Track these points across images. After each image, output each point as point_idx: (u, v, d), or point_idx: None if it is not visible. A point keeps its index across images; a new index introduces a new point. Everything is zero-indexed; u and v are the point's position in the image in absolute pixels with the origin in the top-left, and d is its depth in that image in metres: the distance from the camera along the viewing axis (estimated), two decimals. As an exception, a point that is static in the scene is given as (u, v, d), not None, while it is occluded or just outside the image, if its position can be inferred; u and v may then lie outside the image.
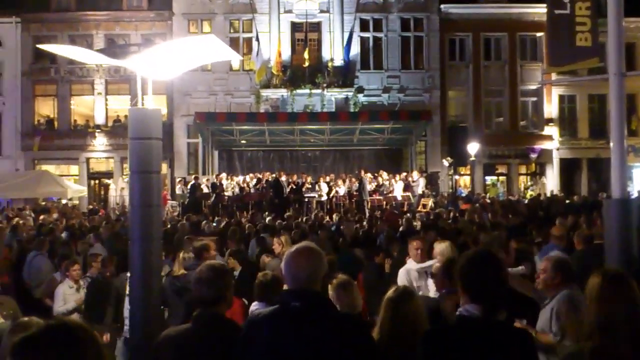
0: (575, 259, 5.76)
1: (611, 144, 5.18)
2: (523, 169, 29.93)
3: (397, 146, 27.15)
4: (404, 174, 22.91)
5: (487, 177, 29.21)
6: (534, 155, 28.51)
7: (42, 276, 9.01)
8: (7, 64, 28.80)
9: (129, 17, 28.60)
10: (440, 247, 5.89)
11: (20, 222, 15.93)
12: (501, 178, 29.75)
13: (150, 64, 4.35)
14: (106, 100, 28.74)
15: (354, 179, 22.02)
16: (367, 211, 19.18)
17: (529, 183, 29.81)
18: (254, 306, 4.78)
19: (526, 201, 21.55)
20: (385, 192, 21.56)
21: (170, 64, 4.53)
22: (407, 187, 21.53)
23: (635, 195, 21.70)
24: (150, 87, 4.60)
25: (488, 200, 20.87)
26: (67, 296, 7.32)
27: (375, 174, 22.98)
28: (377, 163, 25.77)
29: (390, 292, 3.55)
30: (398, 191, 21.40)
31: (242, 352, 2.79)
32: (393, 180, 22.07)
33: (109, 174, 28.78)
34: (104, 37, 28.52)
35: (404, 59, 28.65)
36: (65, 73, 28.40)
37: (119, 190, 25.96)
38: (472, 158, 24.23)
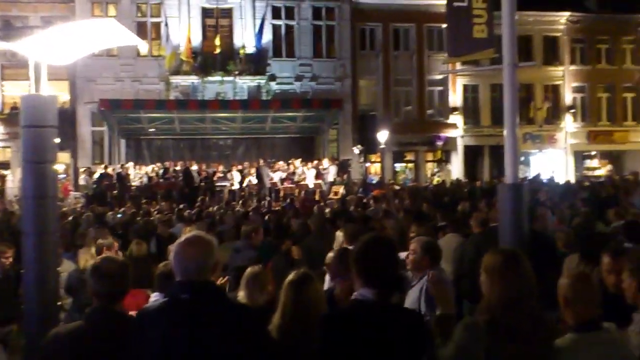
0: (472, 242, 6.03)
1: (504, 132, 5.44)
2: (430, 156, 30.93)
3: (309, 134, 27.32)
4: (316, 161, 23.11)
5: (396, 165, 29.99)
6: (439, 143, 29.53)
7: None
8: None
9: (29, -3, 27.00)
10: (338, 235, 5.96)
11: None
12: (409, 165, 30.61)
13: (44, 47, 4.14)
14: (2, 85, 27.11)
15: (251, 169, 21.90)
16: (268, 199, 19.19)
17: (435, 170, 30.88)
18: (153, 297, 4.70)
19: (429, 187, 22.37)
20: (297, 180, 21.67)
21: (67, 48, 4.33)
22: (319, 174, 21.76)
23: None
24: (45, 72, 4.38)
25: (397, 187, 21.43)
26: None
27: (288, 162, 23.03)
28: (289, 151, 25.84)
29: (290, 276, 3.55)
30: (310, 179, 21.59)
31: (134, 345, 2.72)
32: (305, 168, 22.21)
33: (5, 164, 27.22)
34: None
35: (316, 47, 28.77)
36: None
37: (17, 182, 24.65)
38: (382, 146, 24.78)
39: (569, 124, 31.31)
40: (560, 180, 24.51)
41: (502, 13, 5.55)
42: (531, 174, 27.72)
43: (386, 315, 2.83)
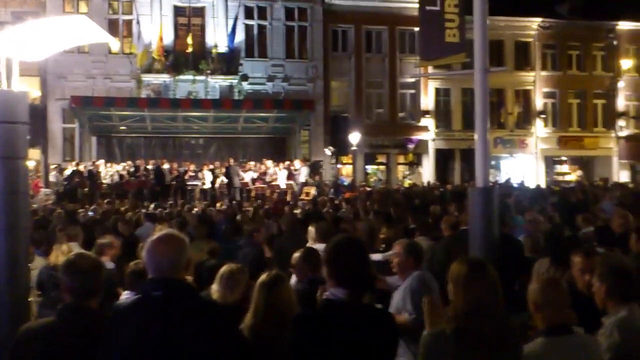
0: (442, 245, 6.12)
1: (475, 136, 5.53)
2: (401, 159, 31.04)
3: (281, 135, 27.29)
4: (287, 162, 23.11)
5: (367, 167, 30.08)
6: (411, 146, 29.73)
7: None
8: None
9: (0, -8, 26.54)
10: (310, 231, 6.00)
11: None
12: (381, 167, 30.70)
13: (16, 43, 4.13)
14: None
15: (222, 168, 21.85)
16: (238, 199, 19.16)
17: (407, 172, 31.04)
18: (124, 295, 4.69)
19: (401, 189, 22.48)
20: (268, 181, 21.66)
21: (38, 44, 4.32)
22: (290, 175, 21.77)
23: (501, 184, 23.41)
24: (17, 68, 4.35)
25: (368, 189, 21.55)
26: None
27: (260, 163, 23.01)
28: (261, 151, 25.82)
29: (263, 277, 3.58)
30: (281, 180, 21.59)
31: (106, 343, 2.71)
32: (277, 169, 22.20)
33: None
34: None
35: (289, 48, 28.75)
36: None
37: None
38: (354, 147, 24.88)
39: (540, 129, 31.68)
40: (531, 184, 24.87)
41: (474, 18, 5.64)
42: (502, 178, 28.10)
43: (358, 315, 2.86)
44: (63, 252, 6.57)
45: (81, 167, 21.08)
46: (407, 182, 28.60)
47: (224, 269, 4.22)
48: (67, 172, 20.93)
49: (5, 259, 4.40)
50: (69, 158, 25.35)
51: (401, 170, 31.18)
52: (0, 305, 4.52)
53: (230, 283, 4.12)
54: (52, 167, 23.06)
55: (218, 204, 16.61)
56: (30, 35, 4.15)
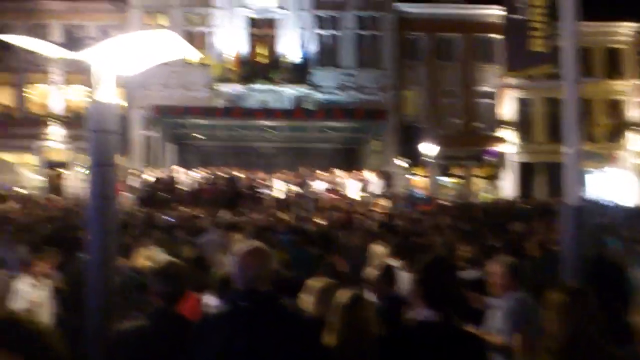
0: (530, 266, 5.78)
1: (565, 150, 5.24)
2: (478, 171, 29.98)
3: (353, 145, 27.22)
4: (359, 172, 22.98)
5: (441, 178, 29.23)
6: (490, 158, 28.83)
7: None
8: None
9: (86, 8, 28.09)
10: (378, 250, 5.80)
11: None
12: (456, 180, 29.86)
13: (109, 58, 4.29)
14: (63, 90, 28.24)
15: (293, 177, 21.91)
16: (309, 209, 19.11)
17: (484, 186, 30.00)
18: (210, 301, 4.85)
19: (480, 204, 21.82)
20: (339, 191, 21.57)
21: (132, 59, 4.48)
22: (362, 186, 21.61)
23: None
24: (113, 83, 4.47)
25: (445, 202, 21.05)
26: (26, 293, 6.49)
27: (330, 173, 22.98)
28: (332, 161, 25.76)
29: (343, 298, 3.53)
30: (352, 190, 21.46)
31: (193, 350, 2.81)
32: (348, 179, 22.09)
33: (65, 164, 28.20)
34: (60, 27, 28.14)
35: (360, 57, 28.68)
36: (23, 62, 27.56)
37: (75, 181, 25.47)
38: (427, 159, 24.44)
39: (634, 141, 29.75)
40: (624, 202, 23.23)
41: (562, 27, 5.37)
42: (589, 194, 26.55)
43: (447, 337, 2.82)
44: (146, 256, 6.76)
45: (159, 174, 21.70)
46: (484, 196, 27.76)
47: (320, 284, 4.15)
48: (146, 177, 21.56)
49: (97, 261, 4.50)
50: (148, 164, 26.25)
51: (477, 182, 30.17)
52: (91, 306, 4.51)
53: (324, 298, 4.02)
54: (132, 172, 23.88)
55: (287, 213, 16.64)
56: (124, 50, 4.32)
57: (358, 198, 20.87)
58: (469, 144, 28.65)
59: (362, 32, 28.70)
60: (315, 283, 4.19)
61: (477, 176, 30.02)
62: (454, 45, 29.31)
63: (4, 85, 28.80)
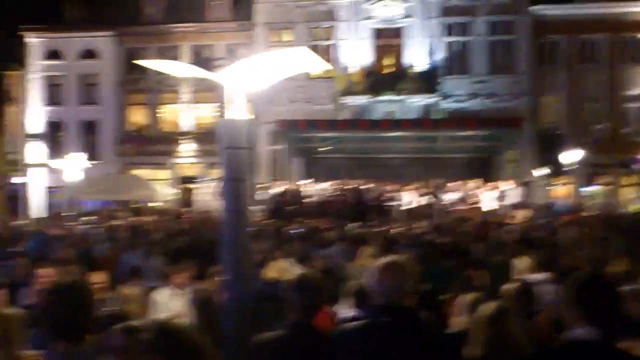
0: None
1: None
2: (626, 180, 27.55)
3: (486, 154, 25.89)
4: (493, 183, 21.70)
5: (585, 188, 27.18)
6: (638, 166, 26.33)
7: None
8: (104, 75, 30.71)
9: (214, 28, 29.45)
10: (519, 264, 5.96)
11: (115, 223, 16.41)
12: (602, 189, 27.57)
13: (239, 77, 4.48)
14: (193, 107, 29.66)
15: (430, 189, 21.06)
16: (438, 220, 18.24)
17: (634, 195, 27.40)
18: (343, 314, 4.87)
19: (629, 215, 19.81)
20: (473, 202, 20.45)
21: (258, 76, 4.62)
22: (496, 197, 20.38)
23: None
24: (243, 101, 4.63)
25: (590, 213, 19.24)
26: (169, 305, 6.75)
27: (462, 183, 21.88)
28: (464, 171, 24.58)
29: (488, 310, 3.44)
30: (487, 201, 20.25)
31: None
32: (482, 190, 20.93)
33: (195, 179, 29.58)
34: (189, 48, 29.72)
35: (493, 63, 27.46)
36: (156, 83, 29.24)
37: (206, 195, 26.42)
38: (570, 167, 22.62)
39: None
40: None
41: None
42: None
43: (608, 358, 2.66)
44: (278, 268, 6.93)
45: (286, 187, 21.84)
46: (634, 207, 25.17)
47: (470, 297, 4.15)
48: (273, 191, 21.73)
49: (233, 274, 4.68)
50: (274, 178, 26.58)
51: (626, 192, 27.65)
52: (228, 319, 4.73)
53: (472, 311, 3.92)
54: (259, 186, 24.22)
55: (417, 225, 15.87)
56: (254, 68, 4.49)
57: (493, 209, 19.62)
58: (617, 151, 26.31)
59: (494, 38, 27.41)
60: (465, 297, 4.24)
61: (625, 185, 27.59)
62: (597, 47, 27.26)
63: (138, 105, 30.89)
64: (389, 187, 21.84)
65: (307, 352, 3.04)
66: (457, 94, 26.92)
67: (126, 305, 5.32)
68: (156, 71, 5.45)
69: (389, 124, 24.43)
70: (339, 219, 18.40)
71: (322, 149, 25.82)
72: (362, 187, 21.49)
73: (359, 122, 24.86)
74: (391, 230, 13.79)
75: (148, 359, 1.59)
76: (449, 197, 20.73)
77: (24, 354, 3.08)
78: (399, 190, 21.60)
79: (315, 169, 26.58)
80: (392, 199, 21.11)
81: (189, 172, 30.14)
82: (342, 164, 26.67)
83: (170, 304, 6.52)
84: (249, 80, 4.47)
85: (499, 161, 24.91)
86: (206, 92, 28.26)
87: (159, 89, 29.66)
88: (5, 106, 31.55)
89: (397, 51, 27.70)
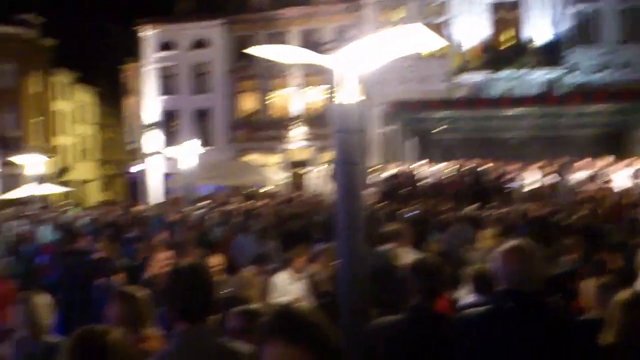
0: None
1: None
2: None
3: (616, 130, 24.08)
4: (626, 160, 20.10)
5: None
6: None
7: (244, 258, 9.11)
8: (214, 63, 31.64)
9: (321, 11, 29.38)
10: None
11: (229, 207, 16.91)
12: None
13: (349, 60, 4.36)
14: (303, 92, 29.95)
15: (555, 168, 19.86)
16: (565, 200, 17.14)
17: None
18: (470, 298, 4.75)
19: None
20: (604, 181, 19.07)
21: (369, 57, 4.49)
22: (630, 175, 18.88)
23: None
24: (354, 83, 4.51)
25: None
26: (288, 287, 6.88)
27: (591, 161, 20.45)
28: (592, 148, 22.99)
29: (625, 296, 3.29)
30: (619, 180, 18.81)
31: (452, 349, 2.78)
32: (614, 168, 19.46)
33: (306, 163, 29.89)
34: (298, 33, 29.92)
35: (624, 31, 25.36)
36: (265, 69, 29.76)
37: (317, 179, 26.64)
38: None
39: None
40: None
41: None
42: None
43: None
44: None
45: (400, 169, 21.55)
46: None
47: (598, 281, 4.03)
48: (387, 173, 21.49)
49: (346, 256, 4.65)
50: (387, 160, 26.27)
51: None
52: (344, 302, 4.73)
53: (602, 296, 3.80)
54: (373, 169, 24.01)
55: (542, 206, 15.00)
56: (365, 50, 4.39)
57: (627, 188, 18.20)
58: None
59: (625, 5, 25.30)
60: (598, 281, 4.06)
61: None
62: None
63: (249, 92, 31.53)
64: (510, 167, 20.87)
65: (425, 337, 3.02)
66: (584, 66, 25.18)
67: (244, 288, 5.37)
68: (265, 58, 5.41)
69: (509, 101, 23.41)
70: (456, 201, 17.89)
71: (437, 130, 25.16)
72: (479, 167, 20.66)
73: (476, 101, 24.04)
74: (513, 212, 13.21)
75: (267, 341, 1.54)
76: (576, 176, 19.46)
77: (150, 332, 3.20)
78: (519, 171, 20.60)
79: (430, 150, 25.96)
80: (513, 180, 20.16)
81: (299, 156, 30.53)
82: (458, 144, 25.91)
83: (289, 287, 6.60)
84: (359, 61, 4.39)
85: (631, 137, 23.02)
86: (316, 75, 28.38)
87: (269, 75, 30.13)
88: (124, 98, 33.45)
89: (515, 24, 26.56)
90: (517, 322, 2.64)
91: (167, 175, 31.11)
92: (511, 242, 2.89)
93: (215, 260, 6.84)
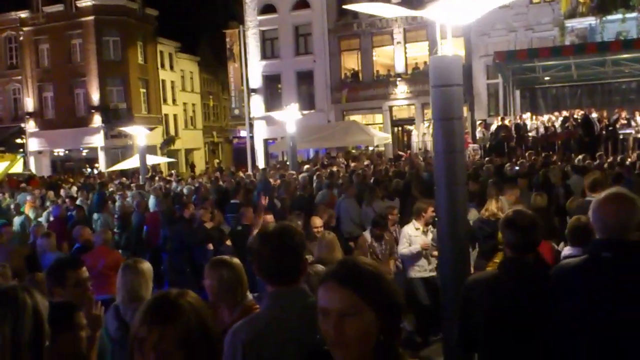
0: None
1: None
2: None
3: None
4: None
5: None
6: None
7: (349, 217, 9.75)
8: (315, 24, 31.19)
9: (423, -37, 28.58)
10: None
11: (335, 169, 17.48)
12: None
13: (449, 10, 4.35)
14: (405, 48, 29.52)
15: None
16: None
17: None
18: (567, 251, 4.63)
19: None
20: None
21: (471, 6, 4.48)
22: None
23: None
24: (450, 35, 4.58)
25: None
26: (413, 238, 7.22)
27: None
28: None
29: None
30: None
31: (550, 302, 2.73)
32: None
33: (411, 121, 29.77)
34: None
35: None
36: (367, 26, 29.80)
37: (421, 136, 26.79)
38: None
39: None
40: None
41: None
42: None
43: None
44: (496, 207, 6.77)
45: (506, 121, 21.33)
46: None
47: None
48: (493, 127, 21.42)
49: (446, 212, 4.72)
50: (494, 113, 26.04)
51: None
52: (444, 255, 4.95)
53: None
54: (478, 122, 23.99)
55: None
56: (463, 1, 4.33)
57: None
58: None
59: None
60: None
61: None
62: None
63: (351, 51, 31.11)
64: (622, 114, 20.20)
65: (521, 290, 2.90)
66: None
67: (329, 251, 5.08)
68: (368, 15, 5.57)
69: (622, 45, 22.09)
70: (566, 151, 17.81)
71: (545, 79, 24.53)
72: (590, 115, 20.15)
73: (587, 46, 22.79)
74: (626, 161, 13.08)
75: (322, 283, 1.66)
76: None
77: (249, 298, 3.28)
78: (633, 117, 19.91)
79: (539, 101, 25.46)
80: (625, 127, 19.56)
81: (403, 114, 30.39)
82: (568, 93, 25.16)
83: (416, 238, 7.15)
84: (461, 12, 4.28)
85: None
86: (418, 30, 28.10)
87: (371, 32, 29.83)
88: (228, 63, 34.28)
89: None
90: (614, 273, 2.53)
91: (270, 140, 31.65)
92: (611, 189, 2.79)
93: (318, 222, 7.09)
